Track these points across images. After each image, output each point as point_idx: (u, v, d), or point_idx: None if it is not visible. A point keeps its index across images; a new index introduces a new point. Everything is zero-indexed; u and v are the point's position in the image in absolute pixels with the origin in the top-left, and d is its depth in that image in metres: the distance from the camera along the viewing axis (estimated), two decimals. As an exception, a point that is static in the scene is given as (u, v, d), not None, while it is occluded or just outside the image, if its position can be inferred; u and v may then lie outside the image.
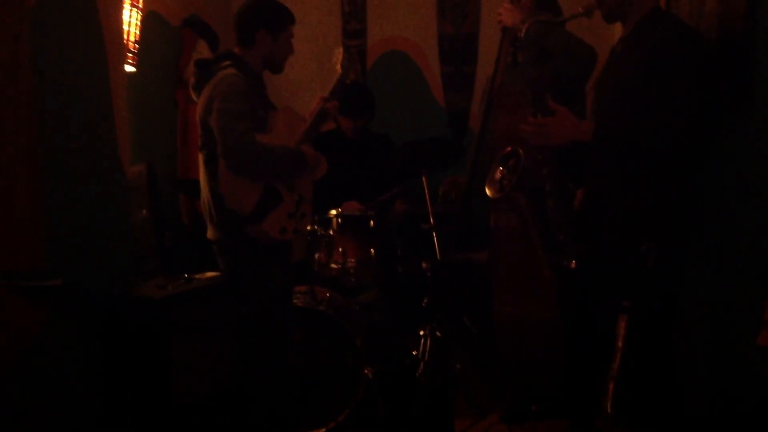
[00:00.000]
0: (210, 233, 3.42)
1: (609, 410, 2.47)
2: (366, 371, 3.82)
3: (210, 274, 3.39)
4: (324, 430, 3.77)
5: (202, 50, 4.74)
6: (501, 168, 3.21)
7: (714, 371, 3.05)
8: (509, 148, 3.28)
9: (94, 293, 2.94)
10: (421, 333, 4.08)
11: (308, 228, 3.97)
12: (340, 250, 4.07)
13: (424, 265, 4.14)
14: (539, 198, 3.08)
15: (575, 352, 2.92)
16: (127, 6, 3.72)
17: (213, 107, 3.20)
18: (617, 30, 3.14)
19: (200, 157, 3.39)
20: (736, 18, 2.74)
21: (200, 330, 3.13)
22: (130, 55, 3.77)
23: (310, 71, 5.25)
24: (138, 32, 3.81)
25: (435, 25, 5.40)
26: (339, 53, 3.76)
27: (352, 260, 4.09)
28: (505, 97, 3.46)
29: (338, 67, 3.72)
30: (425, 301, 4.17)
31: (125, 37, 3.72)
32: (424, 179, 4.11)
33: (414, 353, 4.09)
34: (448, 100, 5.42)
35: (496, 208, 3.32)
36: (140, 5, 3.81)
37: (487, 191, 3.21)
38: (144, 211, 3.78)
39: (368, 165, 4.52)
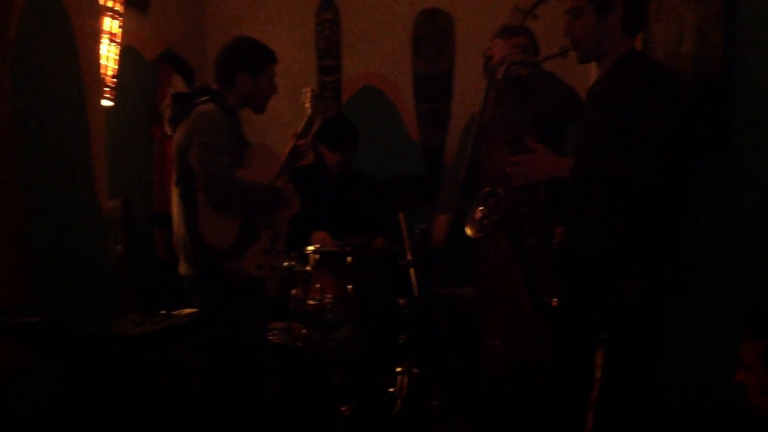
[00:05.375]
0: (183, 268, 3.39)
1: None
2: (343, 408, 3.80)
3: (187, 310, 3.36)
4: (301, 467, 3.75)
5: (178, 85, 4.73)
6: (481, 207, 3.22)
7: (693, 405, 3.07)
8: (488, 188, 3.30)
9: (74, 330, 2.90)
10: (398, 370, 4.07)
11: (285, 264, 3.96)
12: (318, 286, 4.06)
13: (401, 301, 4.14)
14: (519, 237, 3.09)
15: (560, 389, 2.93)
16: (105, 40, 3.70)
17: (194, 141, 3.18)
18: (593, 71, 3.18)
19: (175, 192, 3.36)
20: (712, 59, 2.80)
21: (178, 367, 3.11)
22: (107, 89, 3.75)
23: (283, 107, 5.24)
24: (116, 67, 3.79)
25: (410, 63, 5.44)
26: (307, 92, 3.78)
27: (330, 296, 4.08)
28: (493, 134, 3.48)
29: (307, 106, 3.73)
30: (402, 337, 4.16)
31: (103, 71, 3.71)
32: (401, 215, 4.11)
33: (391, 390, 4.07)
34: (423, 136, 5.44)
35: (479, 244, 3.33)
36: (118, 40, 3.79)
37: (468, 231, 3.22)
38: (119, 247, 3.74)
39: (349, 201, 4.52)
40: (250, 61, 3.41)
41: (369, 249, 4.46)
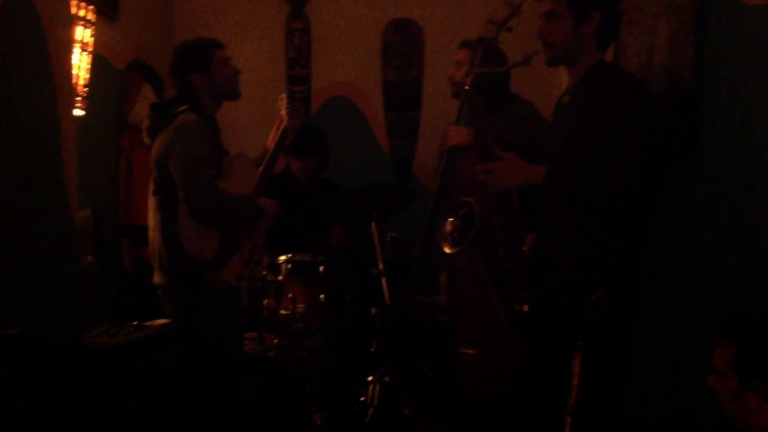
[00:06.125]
0: (158, 279, 3.36)
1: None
2: (315, 418, 3.80)
3: (160, 321, 3.34)
4: (274, 477, 3.74)
5: (148, 94, 4.69)
6: (451, 219, 3.23)
7: (665, 411, 3.12)
8: (461, 198, 3.32)
9: (48, 341, 2.87)
10: (370, 378, 4.08)
11: (257, 274, 3.95)
12: (290, 295, 4.06)
13: (373, 310, 4.16)
14: (491, 246, 3.11)
15: (533, 396, 2.95)
16: (77, 49, 3.68)
17: (175, 152, 3.16)
18: (562, 79, 3.22)
19: (152, 202, 3.34)
20: (684, 71, 2.85)
21: (152, 378, 3.08)
22: (78, 98, 3.72)
23: (255, 116, 5.25)
24: (87, 76, 3.77)
25: (379, 71, 5.47)
26: (282, 99, 3.77)
27: (301, 306, 4.09)
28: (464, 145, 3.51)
29: (283, 112, 3.72)
30: (374, 346, 4.18)
31: (74, 80, 3.68)
32: (373, 225, 4.13)
33: (363, 399, 4.08)
34: (392, 145, 5.48)
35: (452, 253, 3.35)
36: (90, 48, 3.77)
37: (444, 248, 3.22)
38: (89, 258, 3.71)
39: (318, 210, 4.52)
40: (192, 59, 3.36)
41: (330, 240, 4.49)
